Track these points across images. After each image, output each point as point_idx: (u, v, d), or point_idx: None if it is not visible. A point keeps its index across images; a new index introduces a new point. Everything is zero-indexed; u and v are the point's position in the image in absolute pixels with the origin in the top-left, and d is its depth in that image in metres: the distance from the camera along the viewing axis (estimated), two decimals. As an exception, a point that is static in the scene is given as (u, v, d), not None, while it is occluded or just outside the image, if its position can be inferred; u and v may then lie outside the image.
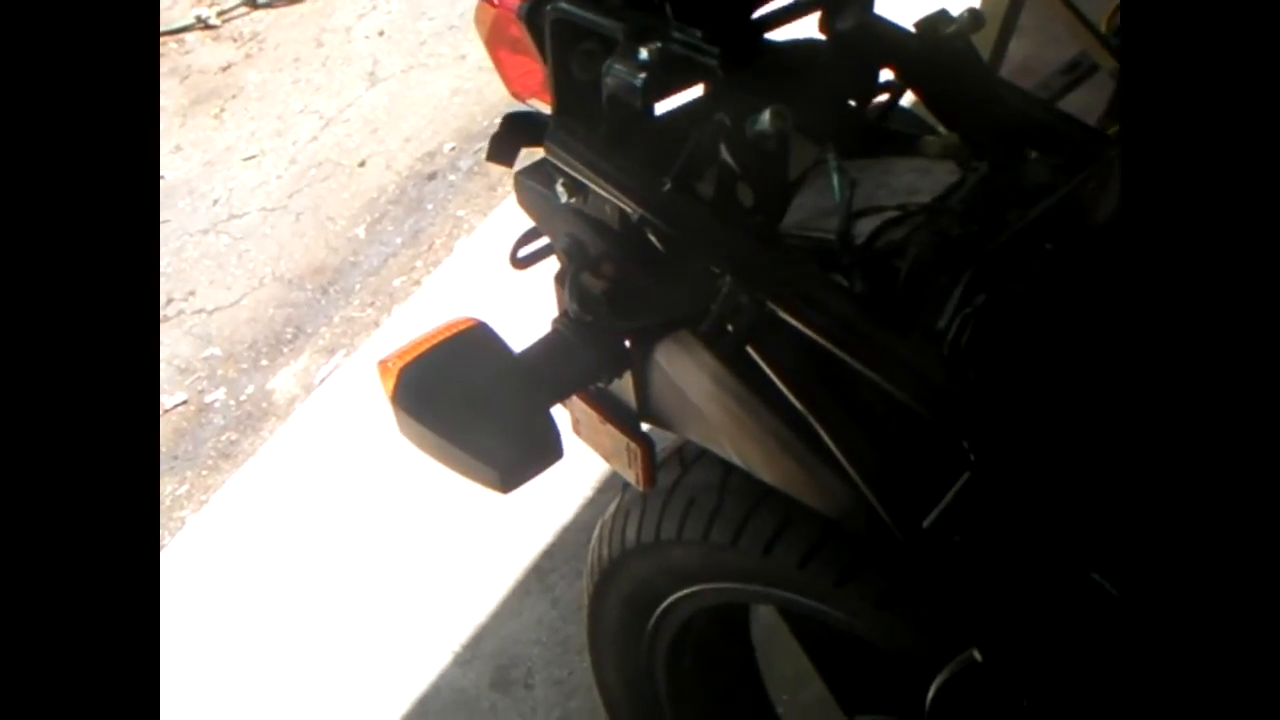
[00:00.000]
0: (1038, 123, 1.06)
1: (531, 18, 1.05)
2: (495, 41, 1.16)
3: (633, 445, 1.14)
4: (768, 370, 0.92)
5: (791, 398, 0.92)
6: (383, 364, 1.04)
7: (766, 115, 0.90)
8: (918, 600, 1.00)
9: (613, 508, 1.36)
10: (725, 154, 0.92)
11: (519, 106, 1.21)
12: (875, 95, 1.13)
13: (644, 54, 0.96)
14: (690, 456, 1.24)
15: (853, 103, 1.14)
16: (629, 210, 0.96)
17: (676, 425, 1.11)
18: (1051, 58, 2.40)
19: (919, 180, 1.02)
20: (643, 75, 0.95)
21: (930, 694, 0.92)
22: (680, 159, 0.93)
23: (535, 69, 1.15)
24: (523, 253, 1.20)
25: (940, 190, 1.01)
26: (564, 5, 1.01)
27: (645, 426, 1.15)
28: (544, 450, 1.02)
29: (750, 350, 0.93)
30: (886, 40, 1.10)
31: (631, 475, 1.17)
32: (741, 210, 0.93)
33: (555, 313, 1.11)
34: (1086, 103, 2.30)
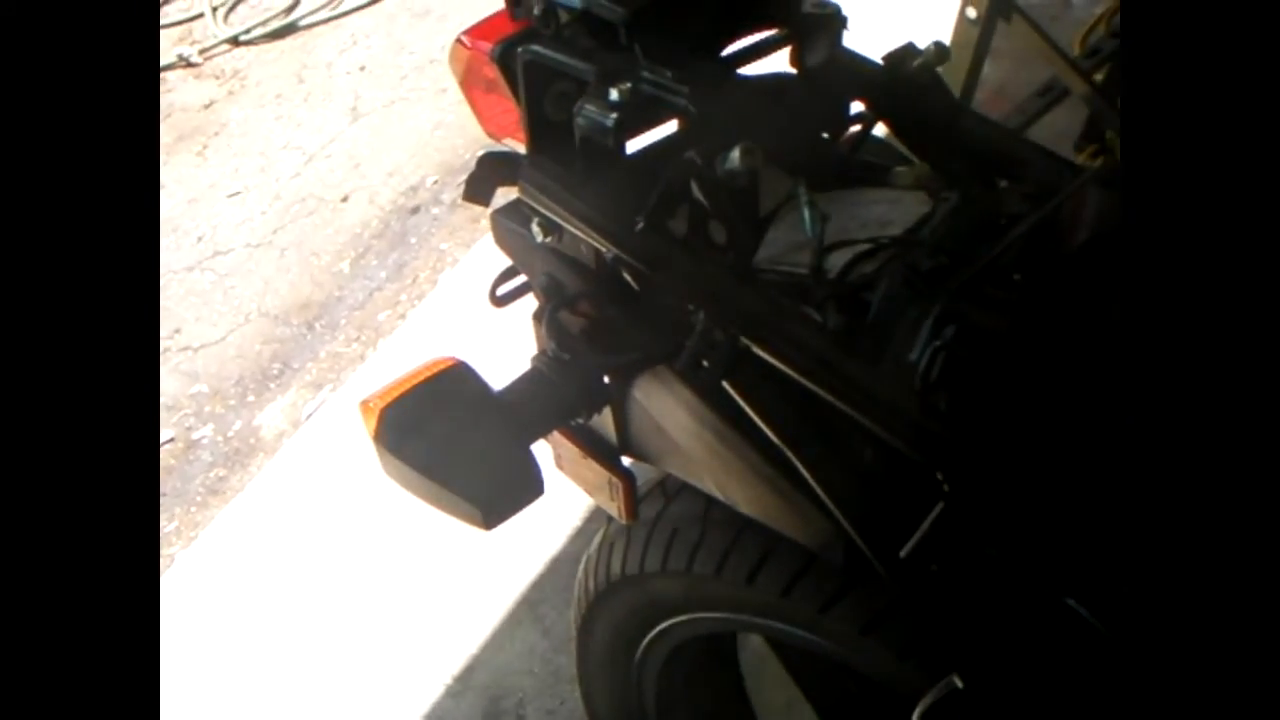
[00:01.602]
0: (1007, 152, 1.08)
1: (504, 59, 1.07)
2: (470, 82, 1.17)
3: (614, 479, 1.15)
4: (744, 405, 0.94)
5: (768, 431, 0.93)
6: (364, 404, 1.05)
7: (736, 153, 0.91)
8: (899, 628, 1.01)
9: (598, 540, 1.37)
10: (696, 192, 0.94)
11: (496, 144, 1.23)
12: (847, 128, 1.15)
13: (615, 94, 0.97)
14: (672, 489, 1.25)
15: (825, 135, 1.15)
16: (603, 249, 0.98)
17: (657, 459, 1.12)
18: (1026, 81, 2.43)
19: (890, 211, 1.04)
20: (614, 115, 0.97)
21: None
22: (652, 198, 0.94)
23: (509, 108, 1.17)
24: (501, 290, 1.21)
25: (911, 221, 1.03)
26: (536, 48, 1.03)
27: (626, 461, 1.16)
28: (525, 487, 1.03)
29: (726, 385, 0.94)
30: (856, 73, 1.12)
31: (614, 509, 1.18)
32: (714, 247, 0.95)
33: (535, 349, 1.12)
34: (1063, 126, 2.33)
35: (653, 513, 1.25)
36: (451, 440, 1.02)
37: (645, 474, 1.26)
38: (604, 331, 1.04)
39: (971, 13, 1.77)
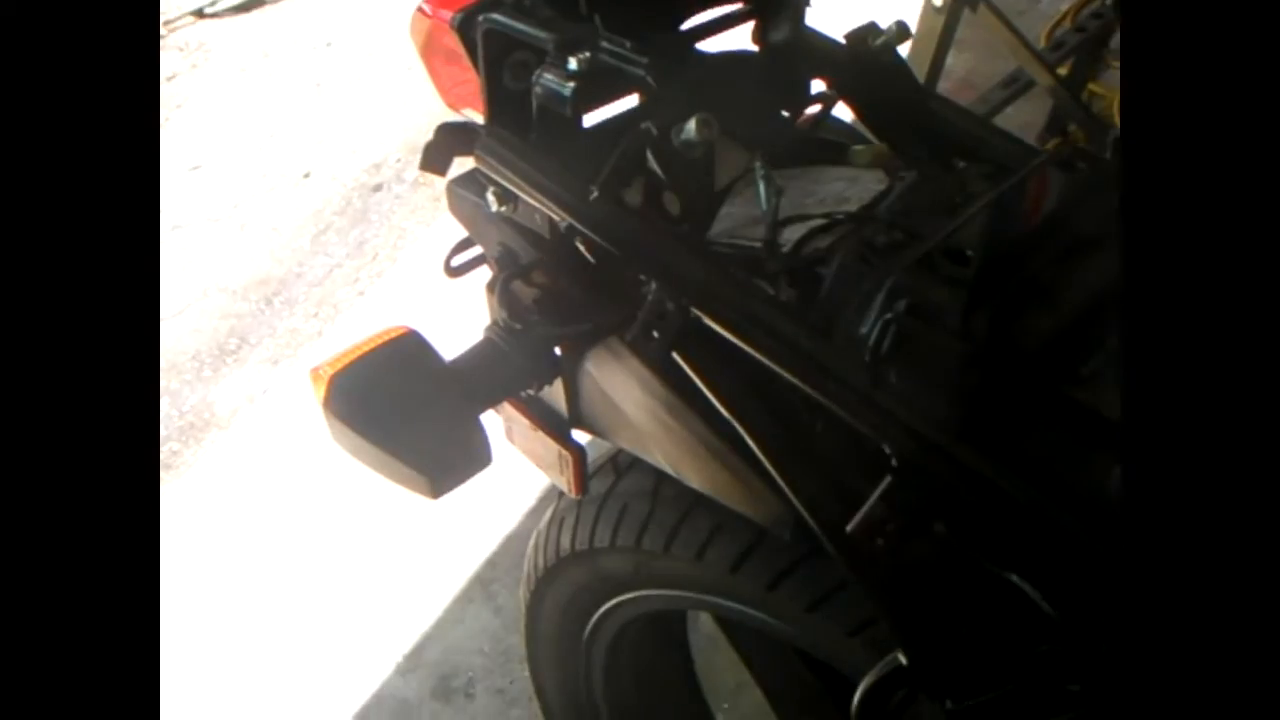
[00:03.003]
0: (967, 134, 1.08)
1: (464, 28, 1.05)
2: (430, 52, 1.16)
3: (564, 453, 1.15)
4: (694, 376, 0.93)
5: (717, 404, 0.92)
6: (315, 371, 1.04)
7: (693, 123, 0.91)
8: (845, 605, 1.01)
9: (548, 516, 1.36)
10: (652, 162, 0.93)
11: (456, 115, 1.22)
12: (807, 106, 1.15)
13: (573, 64, 0.96)
14: (624, 464, 1.25)
15: (785, 113, 1.15)
16: (557, 218, 0.97)
17: (607, 433, 1.12)
18: (991, 73, 2.43)
19: (847, 189, 1.04)
20: (571, 84, 0.96)
21: (856, 698, 0.93)
22: (607, 167, 0.93)
23: (469, 79, 1.15)
24: (456, 261, 1.20)
25: (867, 199, 1.03)
26: (495, 16, 1.02)
27: (577, 434, 1.16)
28: (472, 457, 1.02)
29: (677, 357, 0.93)
30: (818, 52, 1.12)
31: (564, 482, 1.17)
32: (668, 218, 0.94)
33: (488, 320, 1.11)
34: (1026, 119, 2.34)
35: (603, 488, 1.24)
36: (400, 408, 1.01)
37: (599, 450, 1.26)
38: (556, 302, 1.03)
39: (937, 0, 1.77)
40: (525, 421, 1.17)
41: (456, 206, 1.13)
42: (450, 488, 1.03)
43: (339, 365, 1.03)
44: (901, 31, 1.05)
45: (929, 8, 1.77)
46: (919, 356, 0.83)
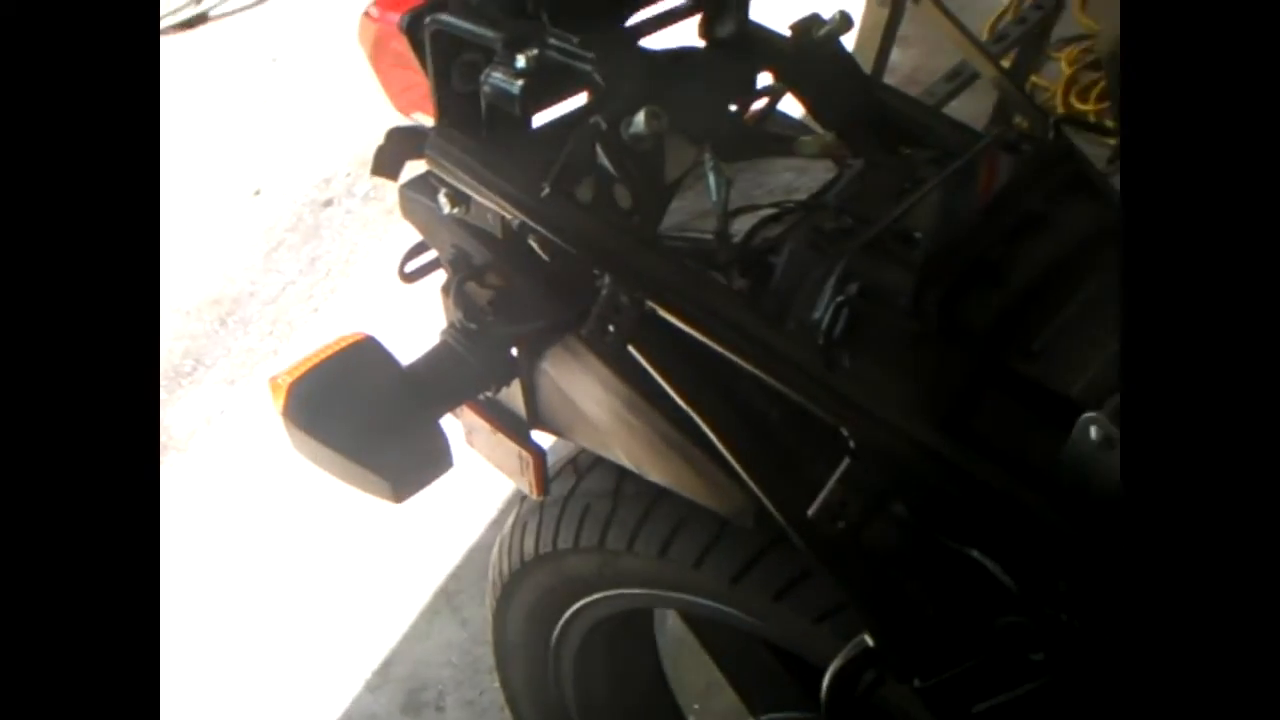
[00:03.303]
0: (913, 121, 1.09)
1: (412, 30, 1.05)
2: (378, 57, 1.15)
3: (524, 454, 1.14)
4: (650, 370, 0.93)
5: (675, 396, 0.92)
6: (273, 380, 1.03)
7: (641, 116, 0.91)
8: (811, 592, 1.01)
9: (511, 521, 1.36)
10: (601, 157, 0.93)
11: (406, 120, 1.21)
12: (755, 99, 1.15)
13: (521, 62, 0.96)
14: (584, 464, 1.24)
15: (733, 107, 1.15)
16: (509, 217, 0.96)
17: (566, 431, 1.12)
18: (935, 67, 2.46)
19: (796, 179, 1.04)
20: (519, 83, 0.96)
21: (825, 682, 0.93)
22: (557, 164, 0.93)
23: (418, 83, 1.15)
24: (410, 267, 1.20)
25: (816, 188, 1.03)
26: (443, 17, 1.02)
27: (537, 435, 1.15)
28: (433, 461, 1.02)
29: (633, 351, 0.93)
30: (764, 44, 1.12)
31: (525, 484, 1.17)
32: (619, 212, 0.94)
33: (443, 324, 1.11)
34: (971, 112, 2.36)
35: (565, 489, 1.24)
36: (360, 414, 1.01)
37: (560, 453, 1.26)
38: (511, 302, 1.03)
39: None
40: (484, 425, 1.17)
41: (409, 210, 1.13)
42: (412, 492, 1.03)
43: (297, 373, 1.02)
44: (844, 21, 1.06)
45: (872, 3, 1.78)
46: (871, 338, 0.83)
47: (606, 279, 0.92)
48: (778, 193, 1.03)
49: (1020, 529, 0.80)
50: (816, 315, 0.84)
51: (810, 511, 0.85)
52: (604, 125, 0.92)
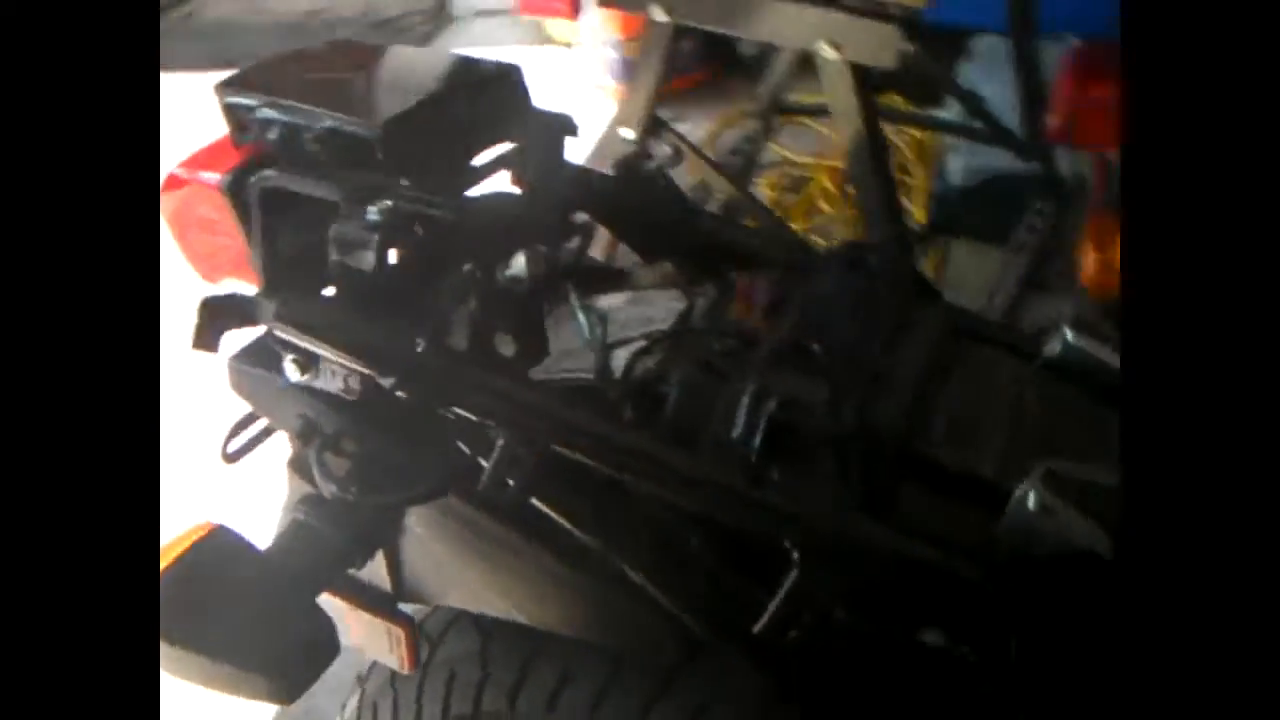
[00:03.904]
0: (740, 244, 1.13)
1: (234, 189, 1.00)
2: (181, 221, 1.08)
3: (394, 628, 1.07)
4: (555, 516, 0.90)
5: (582, 538, 0.90)
6: (119, 594, 0.92)
7: (521, 259, 0.90)
8: (736, 707, 1.00)
9: (353, 706, 1.26)
10: (476, 304, 0.91)
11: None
12: (569, 237, 1.16)
13: (373, 213, 0.93)
14: (436, 630, 1.18)
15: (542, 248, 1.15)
16: (380, 378, 0.91)
17: (438, 595, 1.06)
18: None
19: (647, 310, 1.05)
20: (375, 236, 0.93)
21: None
22: (431, 317, 0.90)
23: (225, 246, 1.09)
24: (234, 446, 1.11)
25: (669, 317, 1.04)
26: (270, 173, 0.97)
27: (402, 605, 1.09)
28: (319, 647, 0.94)
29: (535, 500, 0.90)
30: (577, 184, 1.13)
31: (394, 659, 1.09)
32: (499, 359, 0.92)
33: (288, 500, 1.03)
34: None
35: (419, 659, 1.17)
36: (228, 612, 0.92)
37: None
38: (373, 469, 0.97)
39: (628, 134, 1.83)
40: (342, 604, 1.09)
41: (241, 383, 1.05)
42: (304, 687, 0.94)
43: (147, 579, 0.92)
44: (677, 154, 1.09)
45: (616, 140, 1.84)
46: (792, 449, 0.85)
47: (500, 431, 0.89)
48: (634, 325, 1.03)
49: (962, 602, 0.82)
50: (735, 434, 0.84)
51: (757, 628, 0.85)
52: (479, 273, 0.90)
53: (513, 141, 1.06)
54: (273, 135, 0.99)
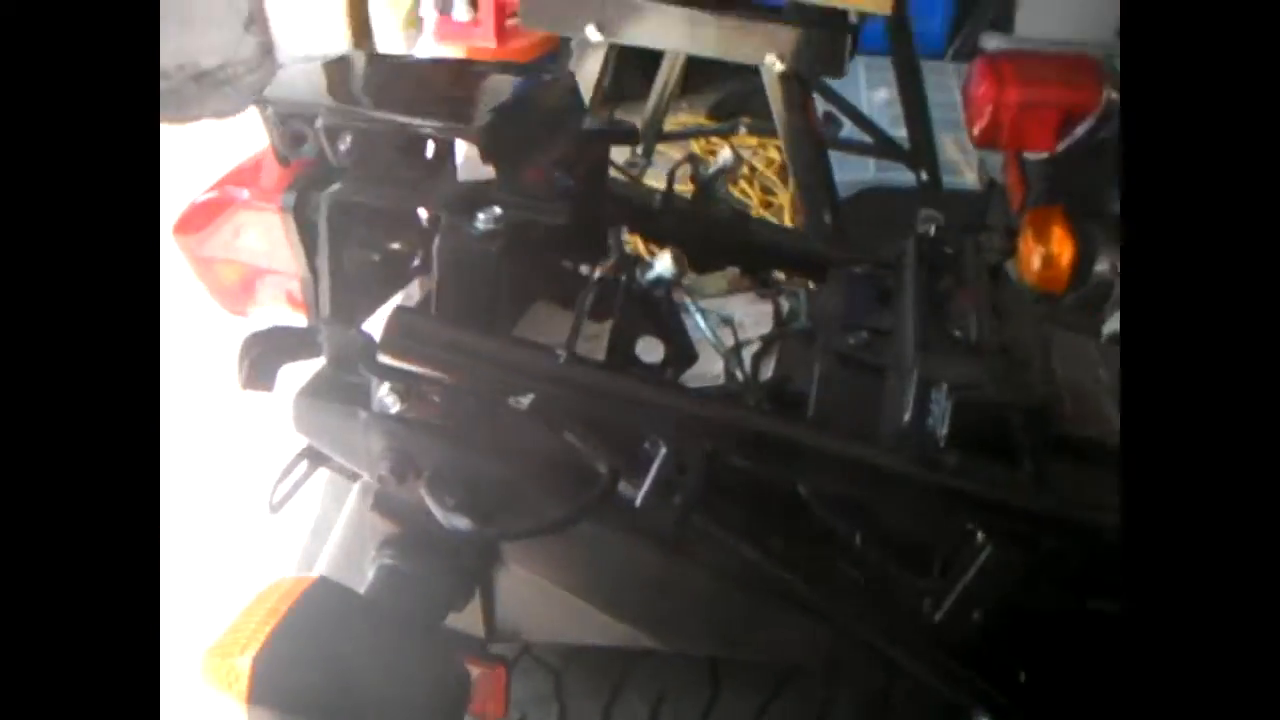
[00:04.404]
0: (788, 248, 1.11)
1: (300, 207, 0.90)
2: (208, 254, 0.97)
3: (487, 673, 0.99)
4: (712, 529, 0.85)
5: (747, 550, 0.86)
6: (214, 664, 0.81)
7: (667, 258, 0.85)
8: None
9: None
10: (618, 310, 0.85)
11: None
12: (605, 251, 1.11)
13: (484, 222, 0.86)
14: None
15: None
16: (525, 390, 0.84)
17: (534, 630, 0.99)
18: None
19: (737, 313, 1.02)
20: (494, 245, 0.85)
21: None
22: (575, 323, 0.84)
23: (254, 278, 0.99)
24: (279, 494, 1.01)
25: (757, 320, 1.02)
26: (339, 188, 0.89)
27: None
28: (456, 690, 0.86)
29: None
30: (620, 204, 1.09)
31: (484, 709, 1.00)
32: (648, 367, 0.87)
33: (379, 546, 0.94)
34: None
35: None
36: (362, 669, 0.83)
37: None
38: (483, 499, 0.89)
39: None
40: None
41: (310, 421, 0.95)
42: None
43: (250, 645, 0.81)
44: (737, 160, 1.06)
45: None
46: (973, 431, 0.83)
47: (659, 444, 0.83)
48: (727, 329, 0.99)
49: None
50: (930, 422, 0.82)
51: (939, 616, 0.83)
52: (622, 277, 0.85)
53: (564, 152, 1.01)
54: (342, 146, 0.90)
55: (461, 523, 0.85)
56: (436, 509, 0.87)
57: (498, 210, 0.86)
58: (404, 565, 0.92)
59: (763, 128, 2.36)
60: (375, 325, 0.88)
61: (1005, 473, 0.82)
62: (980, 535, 0.82)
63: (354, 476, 1.05)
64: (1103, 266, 1.45)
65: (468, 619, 0.98)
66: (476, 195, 0.88)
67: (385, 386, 0.89)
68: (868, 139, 2.08)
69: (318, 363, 0.95)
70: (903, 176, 2.23)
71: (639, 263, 0.86)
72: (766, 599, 0.89)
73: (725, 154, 1.05)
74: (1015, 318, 0.98)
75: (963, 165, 2.37)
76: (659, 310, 0.87)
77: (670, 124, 2.40)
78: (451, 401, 0.88)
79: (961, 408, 0.82)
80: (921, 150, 2.03)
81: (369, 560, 0.94)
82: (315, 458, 1.05)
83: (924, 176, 2.02)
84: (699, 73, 2.60)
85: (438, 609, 0.92)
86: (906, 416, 0.83)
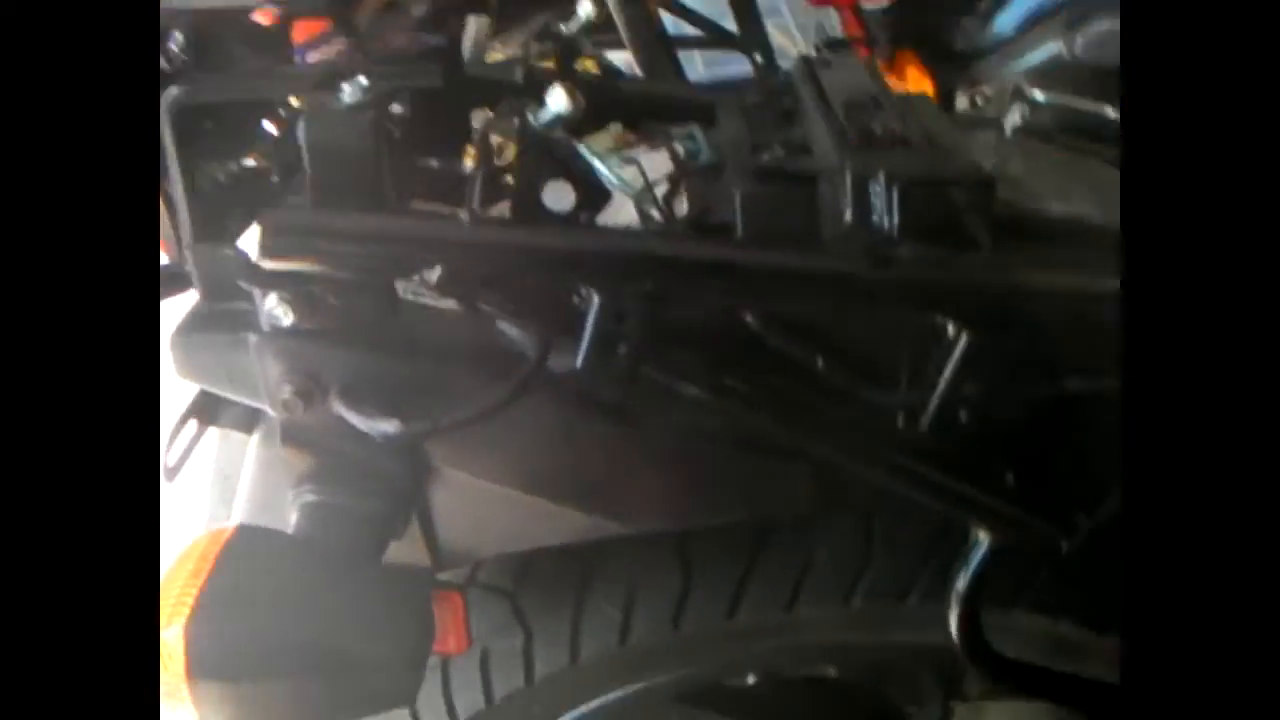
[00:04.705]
0: (656, 97, 1.04)
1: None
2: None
3: (442, 604, 0.90)
4: (669, 381, 0.77)
5: (706, 397, 0.78)
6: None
7: (560, 93, 0.76)
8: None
9: None
10: (519, 153, 0.77)
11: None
12: None
13: (348, 94, 0.76)
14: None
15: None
16: (438, 259, 0.74)
17: (495, 544, 0.90)
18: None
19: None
20: (365, 115, 0.76)
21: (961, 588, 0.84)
22: (473, 178, 0.75)
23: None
24: (174, 456, 0.89)
25: (655, 168, 0.94)
26: (181, 89, 0.78)
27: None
28: (429, 627, 0.78)
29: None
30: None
31: (453, 644, 0.91)
32: (560, 215, 0.78)
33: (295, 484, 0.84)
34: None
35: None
36: (304, 620, 0.74)
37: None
38: (418, 394, 0.80)
39: None
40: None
41: (193, 362, 0.84)
42: (422, 673, 0.77)
43: (173, 615, 0.72)
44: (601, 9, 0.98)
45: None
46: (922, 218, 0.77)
47: (592, 294, 0.74)
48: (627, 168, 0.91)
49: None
50: (865, 219, 0.75)
51: (924, 424, 0.77)
52: (518, 119, 0.76)
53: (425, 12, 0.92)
54: (173, 45, 0.79)
55: (389, 425, 0.76)
56: (357, 420, 0.77)
57: (363, 80, 0.77)
58: (330, 497, 0.82)
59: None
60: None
61: (966, 255, 0.77)
62: (951, 327, 0.76)
63: (250, 428, 0.95)
64: (962, 104, 1.43)
65: (407, 551, 0.89)
66: (336, 71, 0.78)
67: (273, 298, 0.78)
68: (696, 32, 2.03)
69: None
70: (732, 69, 2.17)
71: (529, 105, 0.78)
72: (734, 448, 0.82)
73: (585, 6, 0.96)
74: (922, 112, 0.93)
75: (791, 49, 2.34)
76: (561, 151, 0.79)
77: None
78: (349, 300, 0.78)
79: (908, 193, 0.75)
80: (753, 35, 1.98)
81: (288, 504, 0.84)
82: (205, 415, 0.95)
83: (759, 59, 1.98)
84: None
85: (378, 537, 0.82)
86: (847, 217, 0.77)
